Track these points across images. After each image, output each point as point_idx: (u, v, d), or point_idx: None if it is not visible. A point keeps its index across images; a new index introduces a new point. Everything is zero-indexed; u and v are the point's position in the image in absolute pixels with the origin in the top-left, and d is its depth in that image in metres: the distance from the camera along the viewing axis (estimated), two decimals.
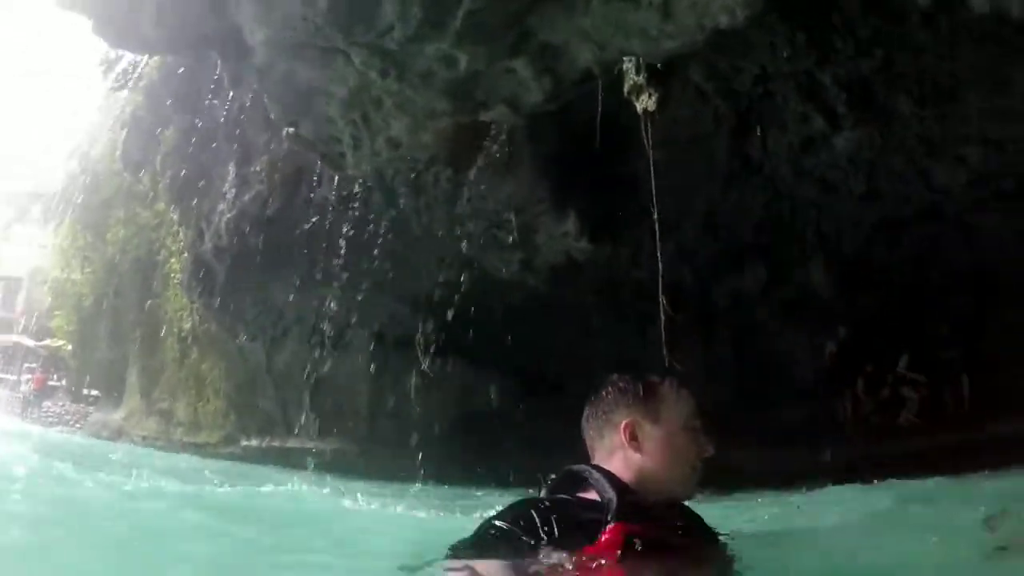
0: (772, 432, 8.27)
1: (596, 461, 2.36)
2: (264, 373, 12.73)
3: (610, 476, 2.21)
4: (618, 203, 8.27)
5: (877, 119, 7.68)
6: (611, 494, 2.14)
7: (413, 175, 8.87)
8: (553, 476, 2.36)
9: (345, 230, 9.57)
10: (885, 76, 7.32)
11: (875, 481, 6.35)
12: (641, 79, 7.05)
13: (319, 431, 11.64)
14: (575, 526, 2.08)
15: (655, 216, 7.28)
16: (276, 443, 12.68)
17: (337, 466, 10.46)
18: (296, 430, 11.86)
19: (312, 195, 10.13)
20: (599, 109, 7.44)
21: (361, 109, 6.69)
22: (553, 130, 8.11)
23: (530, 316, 9.11)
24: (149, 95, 12.95)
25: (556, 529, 2.06)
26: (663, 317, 7.29)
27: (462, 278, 9.12)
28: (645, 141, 7.26)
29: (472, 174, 8.52)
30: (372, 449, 10.83)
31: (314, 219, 10.11)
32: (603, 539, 2.04)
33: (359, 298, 10.02)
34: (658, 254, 7.31)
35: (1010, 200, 8.11)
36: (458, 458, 9.08)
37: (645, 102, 7.13)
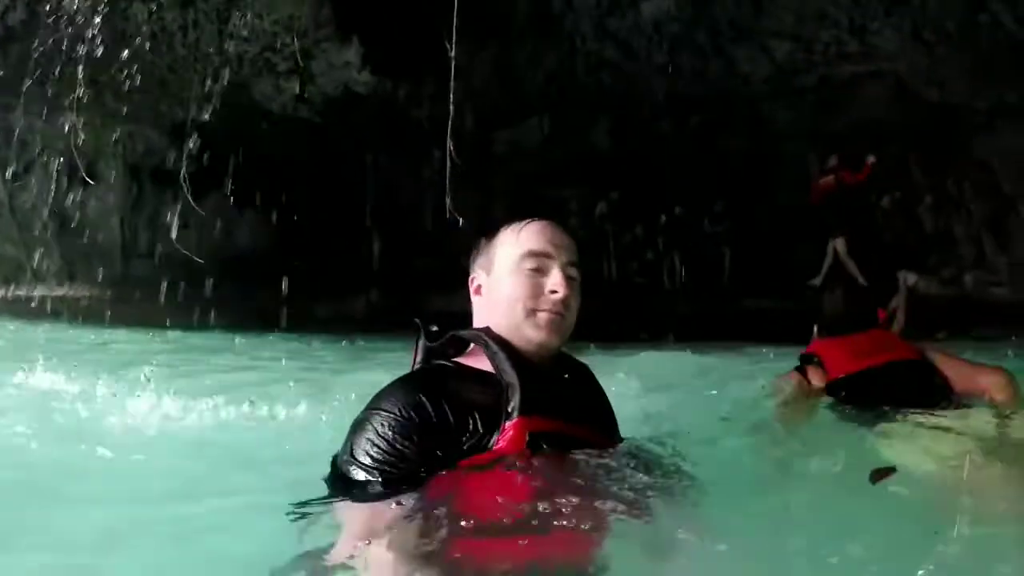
0: None
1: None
2: (7, 213, 11.36)
3: (508, 347, 1.81)
4: (407, 38, 7.70)
5: None
6: (512, 377, 1.74)
7: None
8: (433, 328, 1.90)
9: (98, 45, 8.37)
10: None
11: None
12: None
13: (68, 276, 10.56)
14: (469, 408, 1.70)
15: (452, 55, 6.78)
16: (22, 292, 11.42)
17: (89, 313, 9.50)
18: (43, 276, 10.73)
19: (62, 4, 8.81)
20: None
21: None
22: None
23: (301, 151, 8.46)
24: None
25: (450, 415, 1.67)
26: (448, 162, 6.89)
27: (228, 106, 8.28)
28: None
29: None
30: (127, 294, 9.96)
31: (63, 32, 8.81)
32: (503, 439, 1.67)
33: (112, 125, 8.95)
34: (450, 95, 6.85)
35: (802, 95, 8.26)
36: (218, 301, 8.46)
37: None
